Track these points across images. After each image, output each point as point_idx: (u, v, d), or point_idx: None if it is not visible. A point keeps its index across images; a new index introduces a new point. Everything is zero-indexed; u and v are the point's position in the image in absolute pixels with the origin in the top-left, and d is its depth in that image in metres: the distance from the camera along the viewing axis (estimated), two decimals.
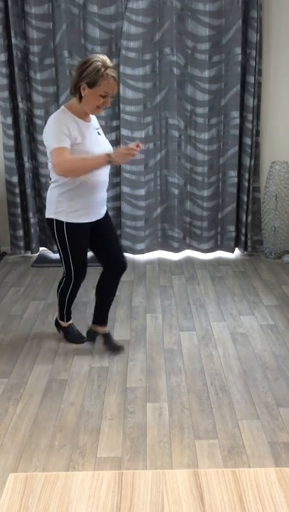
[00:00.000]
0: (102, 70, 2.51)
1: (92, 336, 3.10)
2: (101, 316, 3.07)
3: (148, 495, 1.07)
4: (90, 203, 2.73)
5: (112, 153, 2.53)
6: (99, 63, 2.51)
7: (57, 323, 3.22)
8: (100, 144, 2.71)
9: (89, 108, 2.61)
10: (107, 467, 2.10)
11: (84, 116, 2.65)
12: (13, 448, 2.22)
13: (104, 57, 2.55)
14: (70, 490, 1.08)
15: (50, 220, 2.74)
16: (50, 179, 2.73)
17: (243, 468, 1.84)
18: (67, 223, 2.70)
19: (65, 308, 3.10)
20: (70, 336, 3.15)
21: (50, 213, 2.74)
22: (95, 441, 2.25)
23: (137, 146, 2.53)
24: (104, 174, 2.76)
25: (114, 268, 2.95)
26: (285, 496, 1.06)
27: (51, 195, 2.73)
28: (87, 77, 2.51)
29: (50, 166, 2.64)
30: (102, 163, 2.55)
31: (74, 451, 2.20)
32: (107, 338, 3.06)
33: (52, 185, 2.71)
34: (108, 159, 2.52)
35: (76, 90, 2.57)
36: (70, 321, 3.18)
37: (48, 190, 2.76)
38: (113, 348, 3.02)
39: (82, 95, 2.56)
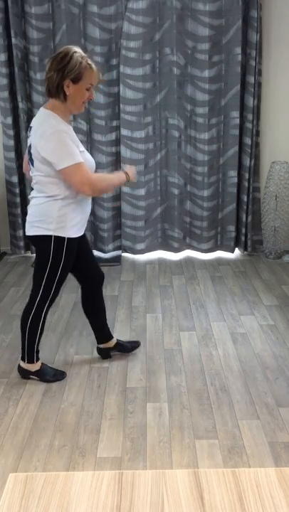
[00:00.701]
0: (83, 61, 2.30)
1: (106, 353, 2.91)
2: (103, 333, 2.87)
3: (148, 495, 1.07)
4: (86, 215, 2.56)
5: (128, 172, 2.47)
6: (77, 54, 2.29)
7: (23, 371, 2.71)
8: (85, 150, 2.51)
9: (76, 106, 2.40)
10: (107, 467, 2.10)
11: (68, 118, 2.43)
12: (13, 448, 2.22)
13: (75, 47, 2.34)
14: (70, 490, 1.08)
15: (47, 237, 2.44)
16: (40, 193, 2.43)
17: (243, 468, 1.84)
18: (68, 239, 2.46)
19: (35, 345, 2.65)
20: (49, 374, 2.71)
21: (47, 230, 2.43)
22: (95, 441, 2.25)
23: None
24: None
25: (94, 281, 2.74)
26: (285, 496, 1.06)
27: (48, 209, 2.41)
28: (71, 73, 2.28)
29: (44, 180, 2.38)
30: (122, 182, 2.46)
31: (74, 451, 2.20)
32: (121, 346, 2.92)
33: (47, 200, 2.41)
34: (126, 177, 2.43)
35: (59, 90, 2.32)
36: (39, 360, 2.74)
37: (40, 205, 2.43)
38: (131, 348, 2.94)
39: (67, 94, 2.32)
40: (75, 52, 2.30)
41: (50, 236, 2.43)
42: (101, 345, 2.91)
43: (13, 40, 4.06)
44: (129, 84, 4.17)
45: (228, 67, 4.17)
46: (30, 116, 4.34)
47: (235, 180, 4.46)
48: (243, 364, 2.86)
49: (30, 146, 2.38)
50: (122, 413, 2.44)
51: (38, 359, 2.70)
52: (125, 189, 4.46)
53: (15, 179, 4.45)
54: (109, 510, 1.03)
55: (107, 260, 4.59)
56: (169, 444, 2.22)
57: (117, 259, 4.58)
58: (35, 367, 2.69)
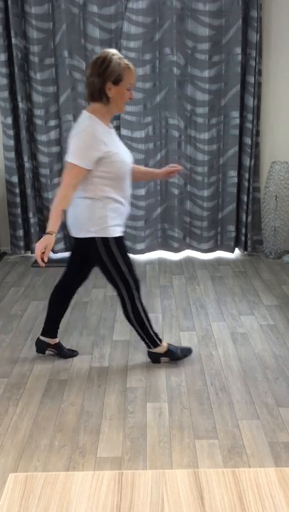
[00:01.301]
0: (122, 62, 2.36)
1: (41, 346, 2.92)
2: (52, 327, 2.88)
3: (148, 495, 1.07)
4: (125, 213, 2.59)
5: (44, 245, 2.31)
6: (115, 56, 2.36)
7: (154, 356, 2.84)
8: (125, 150, 2.54)
9: (118, 107, 2.45)
10: (107, 467, 2.10)
11: (108, 121, 2.48)
12: (13, 448, 2.22)
13: (112, 49, 2.41)
14: (70, 490, 1.08)
15: (91, 239, 2.49)
16: (79, 194, 2.47)
17: (243, 468, 1.84)
18: (113, 238, 2.50)
19: (150, 330, 2.77)
20: (177, 352, 2.83)
21: (90, 232, 2.48)
22: (95, 441, 2.25)
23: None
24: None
25: (79, 283, 2.81)
26: (285, 496, 1.06)
27: (89, 211, 2.46)
28: (112, 76, 2.34)
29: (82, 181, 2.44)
30: (49, 223, 2.37)
31: (74, 451, 2.20)
32: (60, 348, 2.93)
33: (88, 201, 2.46)
34: (49, 232, 2.34)
35: (101, 94, 2.37)
36: (164, 341, 2.88)
37: (78, 204, 2.48)
38: (67, 355, 2.92)
39: (109, 96, 2.38)
40: (113, 54, 2.37)
41: (94, 238, 2.49)
42: (42, 338, 2.92)
43: (13, 40, 4.06)
44: None
45: (228, 67, 4.17)
46: (30, 116, 4.35)
47: (235, 180, 4.46)
48: (243, 364, 2.86)
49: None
50: (122, 413, 2.44)
51: (160, 340, 2.82)
52: None
53: (15, 179, 4.45)
54: (109, 510, 1.03)
55: None
56: (169, 444, 2.22)
57: None
58: (162, 349, 2.82)
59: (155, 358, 2.86)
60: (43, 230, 4.70)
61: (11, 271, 4.40)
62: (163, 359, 2.86)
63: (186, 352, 2.88)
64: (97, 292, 3.89)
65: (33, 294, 3.89)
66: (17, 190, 4.49)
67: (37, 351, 2.96)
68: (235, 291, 3.88)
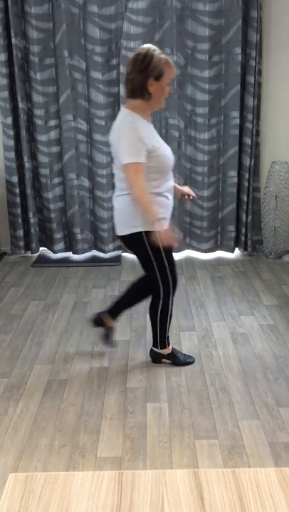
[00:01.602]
0: (162, 57, 2.35)
1: (98, 323, 2.94)
2: (115, 309, 2.90)
3: (148, 495, 1.07)
4: (169, 207, 2.57)
5: (161, 231, 2.38)
6: (156, 52, 2.35)
7: (156, 355, 2.87)
8: (166, 145, 2.52)
9: (159, 103, 2.44)
10: (107, 467, 2.10)
11: (148, 116, 2.47)
12: (13, 448, 2.22)
13: (151, 45, 2.39)
14: (70, 490, 1.08)
15: (137, 234, 2.49)
16: (122, 191, 2.48)
17: (243, 468, 1.84)
18: (159, 231, 2.46)
19: (167, 331, 2.80)
20: (180, 358, 2.86)
21: (135, 227, 2.49)
22: (95, 441, 2.25)
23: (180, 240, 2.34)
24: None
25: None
26: (285, 496, 1.06)
27: (133, 207, 2.45)
28: (154, 72, 2.33)
29: (119, 175, 2.45)
30: (151, 220, 2.39)
31: (74, 451, 2.20)
32: (110, 333, 2.97)
33: (131, 197, 2.44)
34: (153, 222, 2.37)
35: (143, 90, 2.36)
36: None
37: (120, 201, 2.50)
38: (109, 343, 2.98)
39: (151, 92, 2.37)
40: (154, 50, 2.35)
41: (140, 233, 2.49)
42: (104, 316, 2.92)
43: (13, 40, 4.06)
44: None
45: (228, 67, 4.17)
46: (30, 116, 4.35)
47: (235, 180, 4.46)
48: (243, 364, 2.86)
49: (111, 145, 2.47)
50: (122, 413, 2.44)
51: (168, 344, 2.86)
52: None
53: (15, 179, 4.45)
54: (109, 510, 1.03)
55: (107, 260, 4.59)
56: (169, 444, 2.22)
57: (117, 259, 4.59)
58: (167, 351, 2.86)
59: (156, 358, 2.87)
60: (43, 230, 4.70)
61: (11, 271, 4.40)
62: (164, 360, 2.86)
63: (190, 360, 2.87)
64: (97, 292, 3.89)
65: (33, 294, 3.89)
66: (17, 190, 4.49)
67: (94, 325, 2.96)
68: (235, 291, 3.88)
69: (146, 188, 2.40)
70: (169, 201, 2.57)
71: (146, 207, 2.36)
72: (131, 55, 2.45)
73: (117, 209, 2.54)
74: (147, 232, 2.49)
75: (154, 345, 2.85)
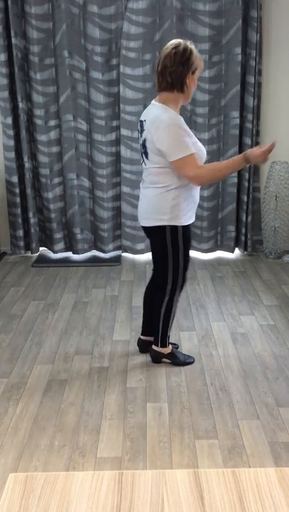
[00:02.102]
0: (197, 52, 2.41)
1: (143, 346, 2.95)
2: (149, 324, 2.93)
3: (148, 495, 1.07)
4: (196, 202, 2.61)
5: (250, 155, 2.36)
6: (192, 46, 2.39)
7: (156, 354, 2.85)
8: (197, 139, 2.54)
9: (189, 97, 2.48)
10: (107, 467, 2.10)
11: (179, 109, 2.52)
12: (13, 448, 2.22)
13: (185, 40, 2.42)
14: (70, 490, 1.08)
15: (162, 227, 2.52)
16: (154, 184, 2.49)
17: (243, 468, 1.84)
18: (182, 227, 2.52)
19: (169, 330, 2.79)
20: (180, 357, 2.85)
21: (161, 220, 2.50)
22: (95, 441, 2.25)
23: (271, 145, 2.35)
24: None
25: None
26: (285, 496, 1.06)
27: (162, 200, 2.48)
28: (193, 65, 2.37)
29: (158, 171, 2.44)
30: (239, 168, 2.42)
31: (74, 451, 2.20)
32: (177, 352, 2.89)
33: (161, 190, 2.47)
34: (245, 162, 2.37)
35: (182, 83, 2.39)
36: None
37: (150, 194, 2.51)
38: (186, 358, 2.88)
39: (187, 85, 2.40)
40: (191, 43, 2.39)
41: (165, 226, 2.51)
42: (142, 337, 2.97)
43: (13, 40, 4.06)
44: (129, 84, 4.17)
45: (228, 67, 4.17)
46: (30, 116, 4.35)
47: (235, 180, 4.46)
48: (243, 364, 2.86)
49: (144, 139, 2.44)
50: (122, 413, 2.44)
51: (169, 343, 2.87)
52: (125, 189, 4.46)
53: (15, 179, 4.45)
54: (109, 510, 1.03)
55: (107, 260, 4.59)
56: (169, 444, 2.22)
57: (117, 259, 4.59)
58: (167, 350, 2.85)
59: (156, 358, 2.86)
60: (43, 230, 4.70)
61: (11, 271, 4.40)
62: (164, 360, 2.86)
63: (190, 361, 2.87)
64: (97, 292, 3.89)
65: (33, 294, 3.89)
66: (17, 190, 4.49)
67: (141, 352, 2.97)
68: (235, 291, 3.88)
69: (177, 181, 2.44)
70: (196, 197, 2.60)
71: (227, 173, 2.40)
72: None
73: (144, 201, 2.56)
74: (173, 227, 2.51)
75: (155, 343, 2.84)
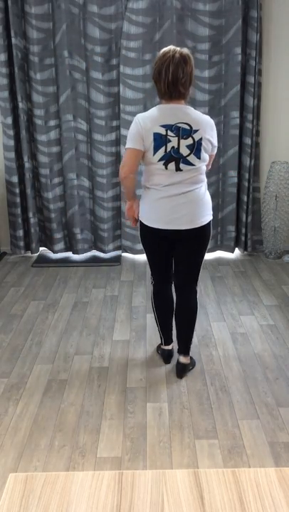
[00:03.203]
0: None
1: (187, 367, 2.80)
2: (168, 335, 2.90)
3: (148, 495, 1.07)
4: None
5: (128, 211, 2.76)
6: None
7: (187, 368, 2.77)
8: None
9: None
10: (107, 467, 2.10)
11: None
12: (13, 448, 2.22)
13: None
14: (70, 490, 1.08)
15: (210, 222, 2.60)
16: (200, 183, 2.54)
17: (243, 468, 1.84)
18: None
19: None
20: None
21: (210, 215, 2.60)
22: (95, 441, 2.25)
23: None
24: None
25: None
26: (285, 496, 1.06)
27: (207, 196, 2.57)
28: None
29: (203, 168, 2.53)
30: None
31: (74, 451, 2.20)
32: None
33: (204, 187, 2.57)
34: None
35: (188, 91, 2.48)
36: None
37: (203, 192, 2.55)
38: (183, 371, 2.76)
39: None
40: (187, 49, 2.48)
41: (210, 221, 2.62)
42: (169, 347, 2.91)
43: (13, 40, 4.06)
44: (129, 84, 4.17)
45: (228, 67, 4.17)
46: (30, 116, 4.34)
47: (235, 180, 4.46)
48: (243, 364, 2.85)
49: (200, 139, 2.44)
50: (122, 413, 2.44)
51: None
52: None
53: (15, 179, 4.45)
54: (109, 510, 1.03)
55: (107, 260, 4.59)
56: (169, 444, 2.22)
57: (117, 259, 4.59)
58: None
59: (185, 370, 2.77)
60: (42, 230, 4.70)
61: (11, 271, 4.40)
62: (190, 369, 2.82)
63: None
64: (97, 292, 3.89)
65: (33, 294, 3.89)
66: (17, 190, 4.49)
67: (165, 362, 2.90)
68: (235, 291, 3.88)
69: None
70: None
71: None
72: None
73: (201, 200, 2.53)
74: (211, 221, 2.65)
75: (185, 353, 2.74)
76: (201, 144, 2.44)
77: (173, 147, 2.41)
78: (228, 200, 4.52)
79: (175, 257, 2.68)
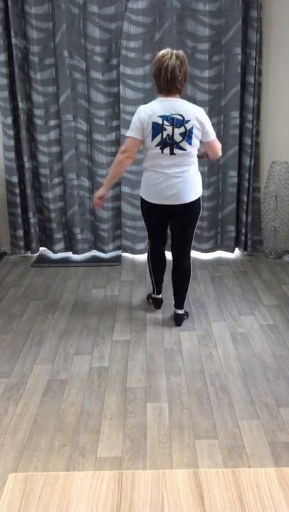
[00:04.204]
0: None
1: (158, 303, 3.56)
2: (159, 286, 3.50)
3: (148, 495, 1.07)
4: None
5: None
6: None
7: (183, 317, 3.37)
8: None
9: None
10: (107, 467, 2.10)
11: None
12: (13, 448, 2.22)
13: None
14: (70, 490, 1.08)
15: (199, 198, 3.08)
16: (190, 165, 3.00)
17: (243, 468, 1.84)
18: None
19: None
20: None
21: (199, 192, 3.08)
22: (95, 441, 2.25)
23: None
24: None
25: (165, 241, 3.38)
26: (285, 496, 1.06)
27: (197, 175, 3.05)
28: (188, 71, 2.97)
29: (194, 152, 2.98)
30: None
31: (74, 451, 2.20)
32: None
33: (194, 168, 3.03)
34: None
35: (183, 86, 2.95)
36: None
37: (191, 173, 3.01)
38: (180, 321, 3.35)
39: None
40: (182, 52, 2.96)
41: (200, 197, 3.10)
42: (160, 296, 3.54)
43: (13, 40, 4.06)
44: (129, 84, 4.17)
45: (228, 67, 4.17)
46: (30, 116, 4.34)
47: (235, 180, 4.46)
48: (243, 364, 2.86)
49: (192, 127, 2.91)
50: (122, 413, 2.44)
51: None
52: (125, 189, 4.46)
53: (15, 179, 4.45)
54: (109, 510, 1.03)
55: (107, 260, 4.59)
56: (169, 444, 2.22)
57: (117, 259, 4.59)
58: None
59: (182, 320, 3.35)
60: (43, 230, 4.70)
61: (11, 271, 4.40)
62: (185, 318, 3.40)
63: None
64: (97, 292, 3.89)
65: (33, 294, 3.89)
66: (17, 190, 4.49)
67: (156, 308, 3.55)
68: (235, 291, 3.88)
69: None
70: None
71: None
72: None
73: (190, 179, 3.01)
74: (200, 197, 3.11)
75: (180, 307, 3.32)
76: (192, 132, 2.92)
77: (168, 134, 2.91)
78: (228, 200, 4.52)
79: (170, 228, 3.18)
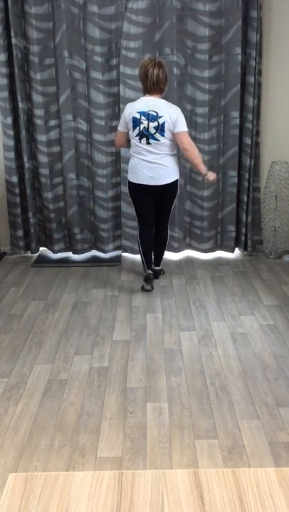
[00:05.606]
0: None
1: (156, 273, 4.10)
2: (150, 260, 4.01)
3: (148, 495, 1.07)
4: None
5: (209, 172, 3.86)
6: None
7: (160, 272, 4.16)
8: None
9: None
10: (107, 467, 2.10)
11: None
12: (13, 448, 2.22)
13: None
14: (70, 490, 1.08)
15: (176, 180, 3.72)
16: (168, 153, 3.64)
17: (243, 468, 1.84)
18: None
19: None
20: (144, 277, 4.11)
21: (176, 175, 3.72)
22: (95, 441, 2.25)
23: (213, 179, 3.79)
24: None
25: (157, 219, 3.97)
26: (285, 496, 1.06)
27: (174, 162, 3.70)
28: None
29: (169, 143, 3.60)
30: (200, 166, 3.75)
31: (74, 451, 2.20)
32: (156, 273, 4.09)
33: (172, 156, 3.67)
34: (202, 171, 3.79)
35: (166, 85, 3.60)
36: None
37: (168, 160, 3.64)
38: (157, 275, 4.12)
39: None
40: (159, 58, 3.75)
41: (177, 179, 3.75)
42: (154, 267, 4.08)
43: (13, 40, 4.06)
44: (129, 84, 4.17)
45: (228, 67, 4.17)
46: (30, 116, 4.34)
47: (235, 180, 4.46)
48: (243, 364, 2.86)
49: (164, 122, 3.52)
50: (122, 413, 2.44)
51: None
52: (125, 189, 4.46)
53: (15, 179, 4.45)
54: (109, 510, 1.03)
55: (107, 260, 4.59)
56: (169, 444, 2.22)
57: (117, 259, 4.59)
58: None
59: (159, 274, 4.14)
60: (42, 230, 4.70)
61: (11, 271, 4.40)
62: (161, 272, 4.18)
63: (147, 277, 3.91)
64: (97, 292, 3.89)
65: (33, 294, 3.89)
66: (17, 190, 4.49)
67: (154, 278, 4.02)
68: (235, 291, 3.88)
69: (175, 149, 3.72)
70: None
71: (199, 157, 3.65)
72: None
73: (165, 165, 3.64)
74: (177, 180, 3.78)
75: (159, 264, 4.08)
76: (164, 126, 3.54)
77: (144, 127, 3.56)
78: (228, 200, 4.52)
79: (155, 206, 3.82)
